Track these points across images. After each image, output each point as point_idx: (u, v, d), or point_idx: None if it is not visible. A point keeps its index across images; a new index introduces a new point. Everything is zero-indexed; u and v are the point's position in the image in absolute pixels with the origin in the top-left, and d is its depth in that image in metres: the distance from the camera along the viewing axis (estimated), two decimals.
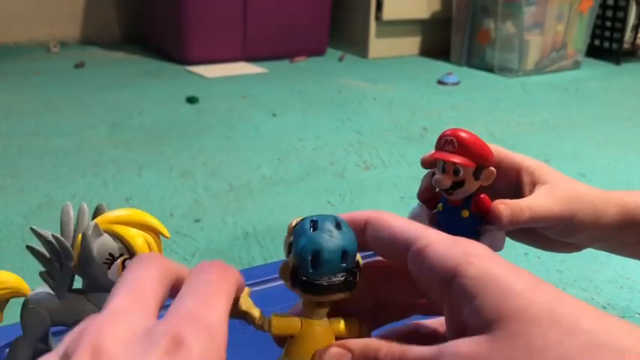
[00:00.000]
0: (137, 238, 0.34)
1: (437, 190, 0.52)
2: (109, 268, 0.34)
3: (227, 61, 2.23)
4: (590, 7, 2.29)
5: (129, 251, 0.35)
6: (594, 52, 2.48)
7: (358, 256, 0.32)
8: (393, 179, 1.21)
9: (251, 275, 0.57)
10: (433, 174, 0.51)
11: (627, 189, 1.31)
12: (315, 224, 0.31)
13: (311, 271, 0.30)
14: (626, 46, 2.45)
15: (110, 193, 1.13)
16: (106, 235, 0.34)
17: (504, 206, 0.47)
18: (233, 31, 2.22)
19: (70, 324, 0.36)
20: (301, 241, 0.31)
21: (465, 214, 0.49)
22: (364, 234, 0.33)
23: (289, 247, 0.32)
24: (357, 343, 0.30)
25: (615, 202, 0.49)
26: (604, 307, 0.80)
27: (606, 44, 2.47)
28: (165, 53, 2.30)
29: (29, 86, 1.87)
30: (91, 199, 1.09)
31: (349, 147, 1.41)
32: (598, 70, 2.34)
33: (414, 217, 0.53)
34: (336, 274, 0.31)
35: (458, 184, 0.48)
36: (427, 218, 0.53)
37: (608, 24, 2.44)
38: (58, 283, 0.35)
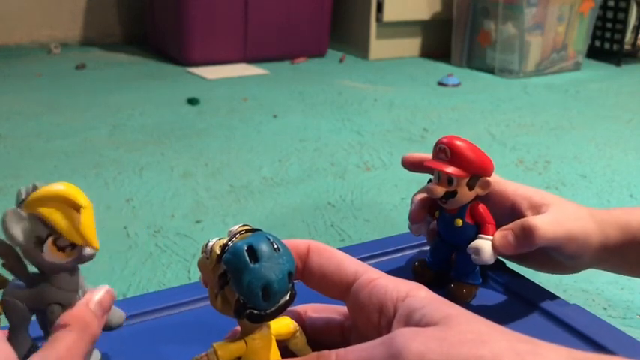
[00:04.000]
0: (51, 212, 0.33)
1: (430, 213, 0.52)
2: (42, 251, 0.34)
3: (228, 62, 2.24)
4: (590, 9, 2.29)
5: (53, 230, 0.34)
6: (595, 53, 2.48)
7: None
8: (394, 180, 1.21)
9: None
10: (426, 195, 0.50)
11: (627, 190, 1.30)
12: (252, 253, 0.30)
13: (263, 304, 0.30)
14: (626, 47, 2.45)
15: (111, 194, 1.13)
16: (29, 218, 0.33)
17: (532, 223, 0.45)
18: (234, 33, 2.22)
19: (44, 309, 0.36)
20: (245, 277, 0.29)
21: (459, 223, 0.48)
22: (304, 260, 0.34)
23: (222, 279, 0.30)
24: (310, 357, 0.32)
25: (617, 222, 0.48)
26: (604, 309, 0.80)
27: (607, 45, 2.47)
28: (166, 54, 2.30)
29: (30, 87, 1.87)
30: (92, 200, 1.09)
31: (350, 148, 1.41)
32: (598, 72, 2.34)
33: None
34: (283, 296, 0.31)
35: (450, 194, 0.47)
36: (426, 225, 0.53)
37: (609, 25, 2.44)
38: (17, 271, 0.35)
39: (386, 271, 0.34)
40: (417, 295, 0.31)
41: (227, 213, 1.06)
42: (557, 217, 0.46)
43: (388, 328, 0.31)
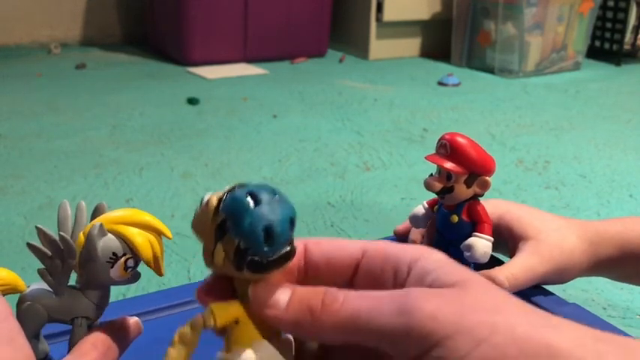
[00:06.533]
0: (139, 237, 0.35)
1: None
2: (112, 267, 0.35)
3: (228, 62, 2.24)
4: (590, 9, 2.29)
5: (131, 250, 0.35)
6: (594, 53, 2.48)
7: None
8: (394, 180, 1.21)
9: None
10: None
11: (627, 190, 1.30)
12: (254, 197, 0.28)
13: (265, 249, 0.28)
14: (626, 47, 2.45)
15: (111, 194, 1.13)
16: (109, 234, 0.35)
17: None
18: (234, 33, 2.22)
19: (68, 321, 0.37)
20: (247, 219, 0.28)
21: (454, 219, 0.48)
22: (303, 258, 0.33)
23: (219, 230, 0.29)
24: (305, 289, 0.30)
25: (613, 241, 0.50)
26: (604, 309, 0.81)
27: (606, 45, 2.47)
28: (166, 54, 2.30)
29: (30, 88, 1.87)
30: (91, 199, 1.09)
31: (350, 148, 1.41)
32: (598, 72, 2.34)
33: (414, 215, 0.53)
34: (285, 245, 0.29)
35: (447, 190, 0.47)
36: (426, 219, 0.53)
37: (609, 25, 2.44)
38: (57, 281, 0.36)
39: None
40: (430, 257, 0.30)
41: None
42: (529, 261, 0.48)
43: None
